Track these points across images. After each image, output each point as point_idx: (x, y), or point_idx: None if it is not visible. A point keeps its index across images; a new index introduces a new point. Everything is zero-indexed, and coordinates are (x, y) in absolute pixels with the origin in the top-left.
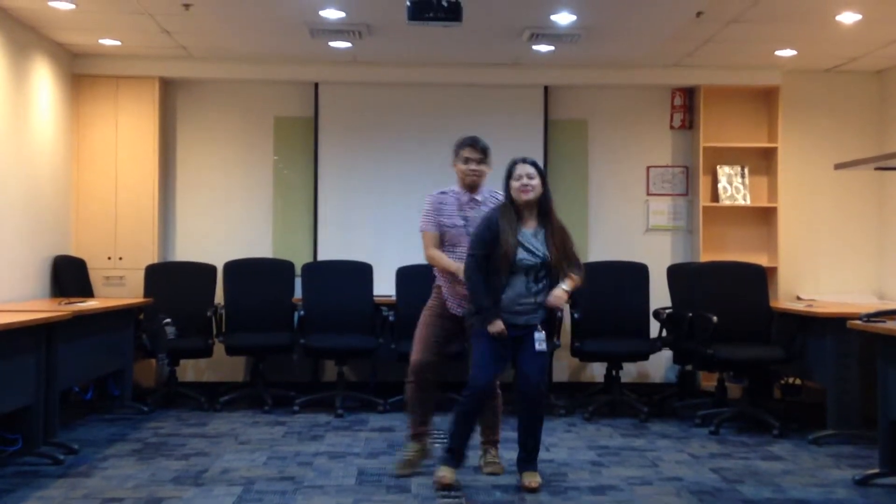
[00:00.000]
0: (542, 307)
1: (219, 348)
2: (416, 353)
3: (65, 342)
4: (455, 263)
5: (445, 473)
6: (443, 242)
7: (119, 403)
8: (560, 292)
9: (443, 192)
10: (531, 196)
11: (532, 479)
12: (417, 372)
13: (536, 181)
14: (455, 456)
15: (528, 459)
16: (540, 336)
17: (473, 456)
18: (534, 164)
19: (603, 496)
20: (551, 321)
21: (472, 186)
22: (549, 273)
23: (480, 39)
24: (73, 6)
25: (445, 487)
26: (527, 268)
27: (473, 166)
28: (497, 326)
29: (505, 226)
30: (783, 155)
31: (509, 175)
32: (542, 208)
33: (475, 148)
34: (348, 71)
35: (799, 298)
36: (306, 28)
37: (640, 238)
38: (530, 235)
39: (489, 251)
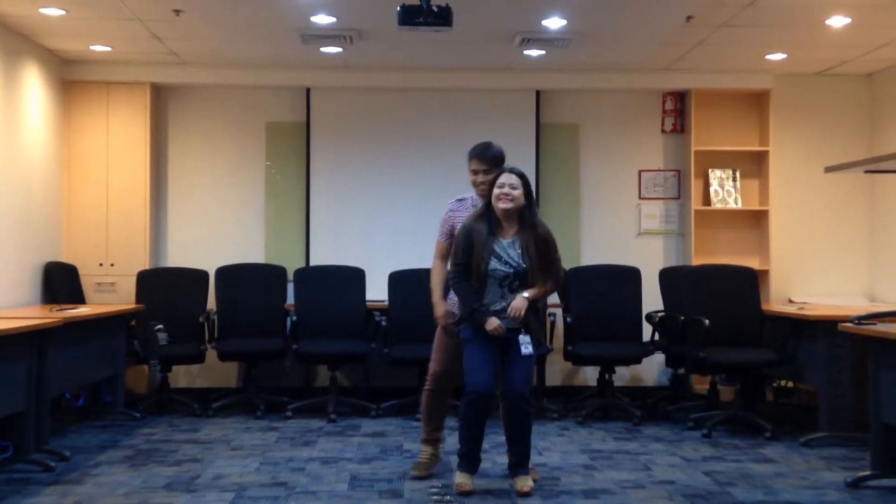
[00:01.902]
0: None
1: (211, 354)
2: (434, 362)
3: (56, 349)
4: (437, 292)
5: (463, 480)
6: None
7: (111, 410)
8: (518, 302)
9: (460, 200)
10: (510, 206)
11: (524, 484)
12: (435, 381)
13: (518, 192)
14: (470, 461)
15: (519, 464)
16: (525, 339)
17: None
18: (521, 175)
19: (596, 500)
20: (534, 326)
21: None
22: (523, 283)
23: (471, 44)
24: (63, 12)
25: (466, 494)
26: (500, 278)
27: (481, 178)
28: (493, 323)
29: (477, 235)
30: (774, 158)
31: (493, 181)
32: (523, 219)
33: (482, 159)
34: (340, 76)
35: (791, 301)
36: (298, 33)
37: (632, 242)
38: (506, 245)
39: (469, 259)
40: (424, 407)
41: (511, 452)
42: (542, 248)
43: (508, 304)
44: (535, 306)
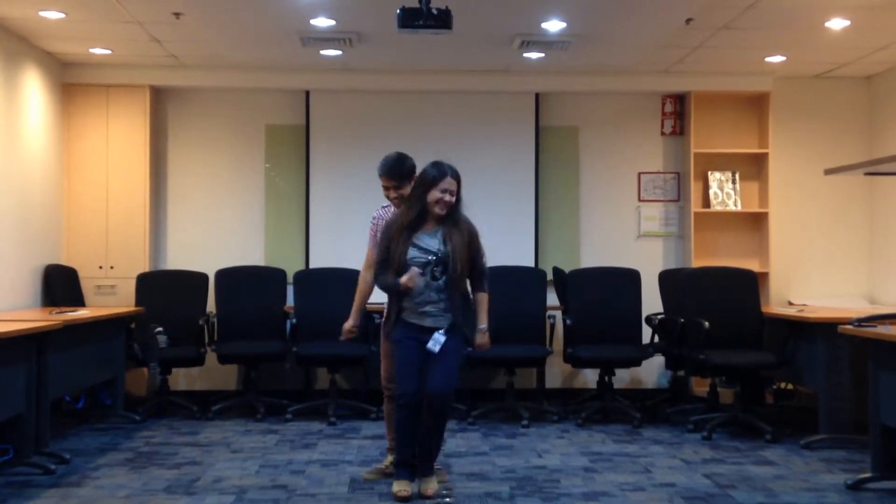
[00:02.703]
0: (448, 310)
1: (211, 357)
2: (384, 370)
3: (56, 351)
4: (356, 302)
5: (401, 488)
6: None
7: (111, 412)
8: (481, 338)
9: (385, 207)
10: (445, 212)
11: (428, 487)
12: (389, 386)
13: (454, 197)
14: (406, 468)
15: (422, 464)
16: (437, 337)
17: (467, 463)
18: (459, 178)
19: (596, 502)
20: (459, 321)
21: None
22: (445, 270)
23: (471, 47)
24: (63, 15)
25: (405, 500)
26: (421, 265)
27: (393, 193)
28: (409, 274)
29: (396, 230)
30: (774, 160)
31: (431, 182)
32: (448, 216)
33: (390, 176)
34: (339, 79)
35: (790, 303)
36: (297, 36)
37: (631, 244)
38: (426, 236)
39: (388, 254)
40: (385, 415)
41: (420, 448)
42: (466, 239)
43: (439, 297)
44: (466, 299)
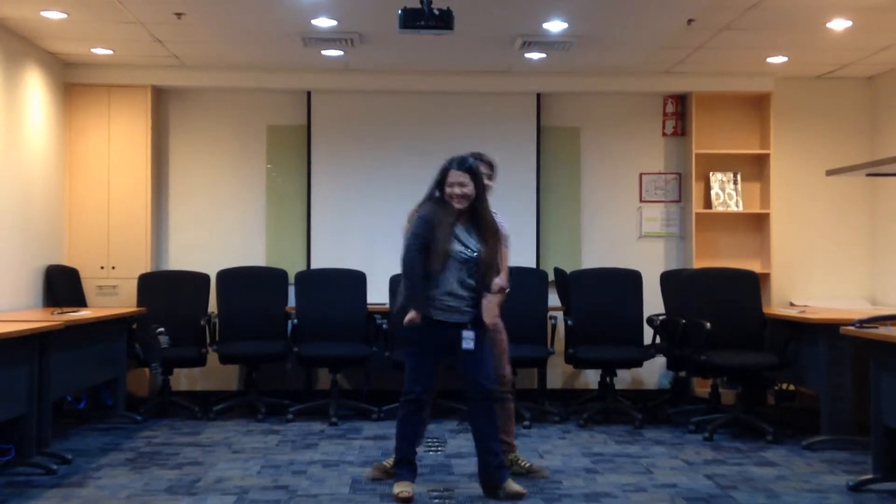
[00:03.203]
0: (473, 307)
1: (212, 357)
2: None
3: (58, 352)
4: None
5: (404, 488)
6: None
7: (112, 413)
8: (490, 308)
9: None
10: (464, 204)
11: (515, 488)
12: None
13: (469, 188)
14: (408, 467)
15: (499, 474)
16: (468, 334)
17: (468, 464)
18: (469, 169)
19: (597, 503)
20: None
21: None
22: (476, 268)
23: (472, 47)
24: (65, 15)
25: (406, 501)
26: (461, 261)
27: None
28: (412, 315)
29: (439, 220)
30: (775, 161)
31: (444, 174)
32: (476, 210)
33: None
34: (341, 79)
35: (792, 304)
36: (299, 37)
37: (633, 245)
38: (464, 231)
39: (429, 234)
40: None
41: (487, 454)
42: (495, 239)
43: (467, 295)
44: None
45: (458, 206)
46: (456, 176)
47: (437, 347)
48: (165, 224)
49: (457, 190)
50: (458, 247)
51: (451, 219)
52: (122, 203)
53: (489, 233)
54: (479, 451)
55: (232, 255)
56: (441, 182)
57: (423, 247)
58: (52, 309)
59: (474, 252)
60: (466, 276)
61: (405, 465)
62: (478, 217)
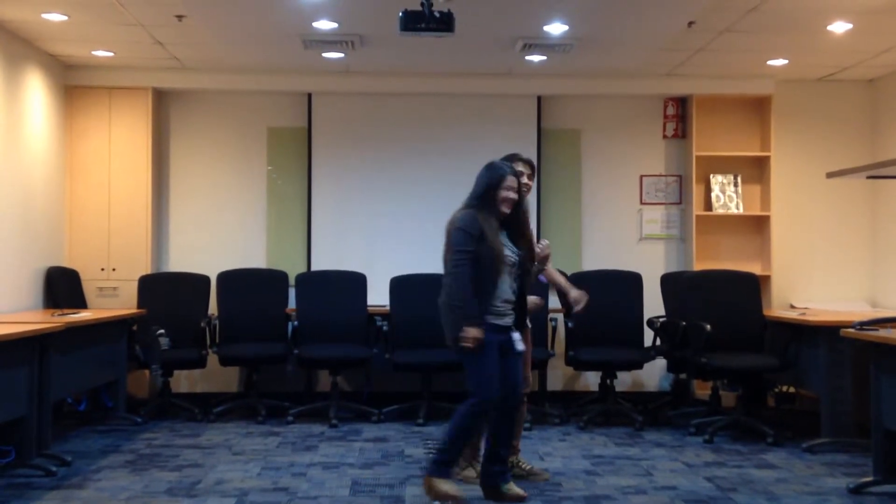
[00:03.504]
0: (515, 310)
1: (212, 359)
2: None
3: (58, 353)
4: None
5: (449, 488)
6: None
7: (112, 415)
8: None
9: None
10: (510, 209)
11: (516, 489)
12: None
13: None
14: (450, 468)
15: (505, 470)
16: (516, 336)
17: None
18: (515, 173)
19: None
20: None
21: None
22: (522, 271)
23: (473, 50)
24: (65, 18)
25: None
26: (510, 265)
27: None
28: (476, 332)
29: (488, 226)
30: (776, 163)
31: (500, 180)
32: (515, 213)
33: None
34: (341, 81)
35: (792, 307)
36: (299, 39)
37: (633, 247)
38: (504, 235)
39: (476, 258)
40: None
41: (494, 457)
42: (531, 236)
43: (513, 297)
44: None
45: (506, 210)
46: (513, 181)
47: (498, 351)
48: (166, 226)
49: (511, 195)
50: (507, 252)
51: (496, 224)
52: (123, 205)
53: (527, 235)
54: (487, 454)
55: (232, 256)
56: (495, 187)
57: (473, 261)
58: (52, 310)
59: (517, 256)
60: (513, 280)
61: (451, 466)
62: (517, 220)
